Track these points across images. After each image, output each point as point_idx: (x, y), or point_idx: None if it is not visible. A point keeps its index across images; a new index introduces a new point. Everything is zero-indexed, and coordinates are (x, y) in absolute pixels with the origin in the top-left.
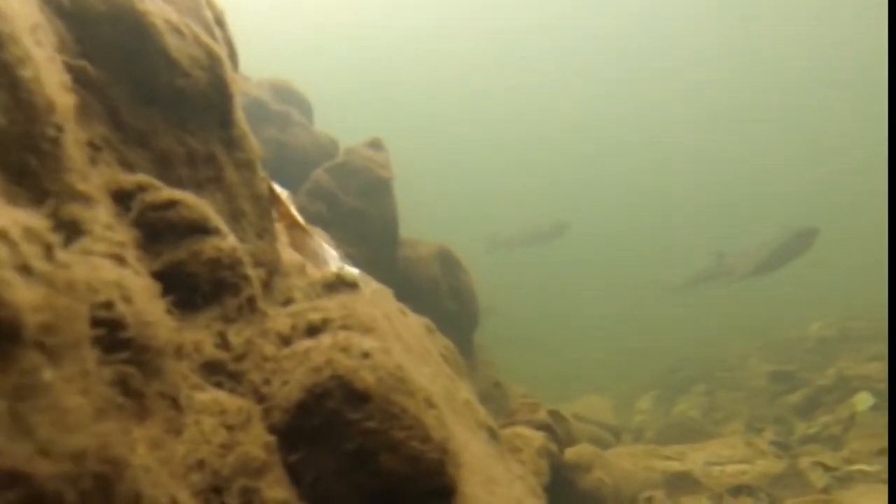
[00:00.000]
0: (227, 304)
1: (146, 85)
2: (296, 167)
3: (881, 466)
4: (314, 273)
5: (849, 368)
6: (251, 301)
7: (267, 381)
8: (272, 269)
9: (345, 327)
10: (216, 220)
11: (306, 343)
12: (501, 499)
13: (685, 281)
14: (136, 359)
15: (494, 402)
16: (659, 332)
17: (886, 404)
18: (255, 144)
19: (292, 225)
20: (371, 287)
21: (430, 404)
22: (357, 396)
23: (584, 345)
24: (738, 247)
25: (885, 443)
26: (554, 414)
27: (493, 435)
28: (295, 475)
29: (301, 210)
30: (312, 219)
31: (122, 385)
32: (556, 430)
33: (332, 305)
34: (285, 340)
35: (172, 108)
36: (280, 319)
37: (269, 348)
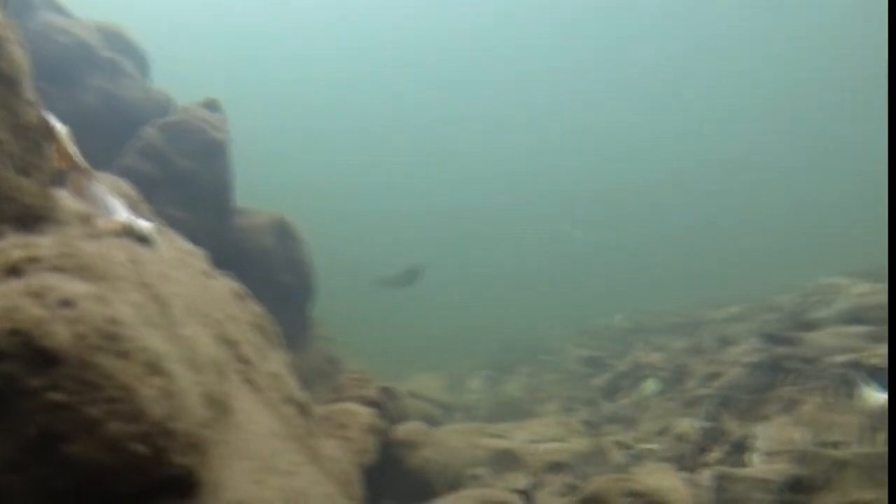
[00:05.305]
0: None
1: None
2: (127, 123)
3: (663, 445)
4: (101, 224)
5: (641, 357)
6: None
7: None
8: (39, 214)
9: (57, 269)
10: None
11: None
12: (274, 490)
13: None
14: None
15: (328, 378)
16: (493, 316)
17: (669, 390)
18: (18, 58)
19: (73, 167)
20: (176, 246)
21: (155, 370)
22: (43, 358)
23: (421, 324)
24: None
25: (665, 423)
26: (386, 390)
27: (303, 411)
28: None
29: (130, 169)
30: (143, 180)
31: None
32: (388, 407)
33: (46, 242)
34: None
35: None
36: None
37: None
